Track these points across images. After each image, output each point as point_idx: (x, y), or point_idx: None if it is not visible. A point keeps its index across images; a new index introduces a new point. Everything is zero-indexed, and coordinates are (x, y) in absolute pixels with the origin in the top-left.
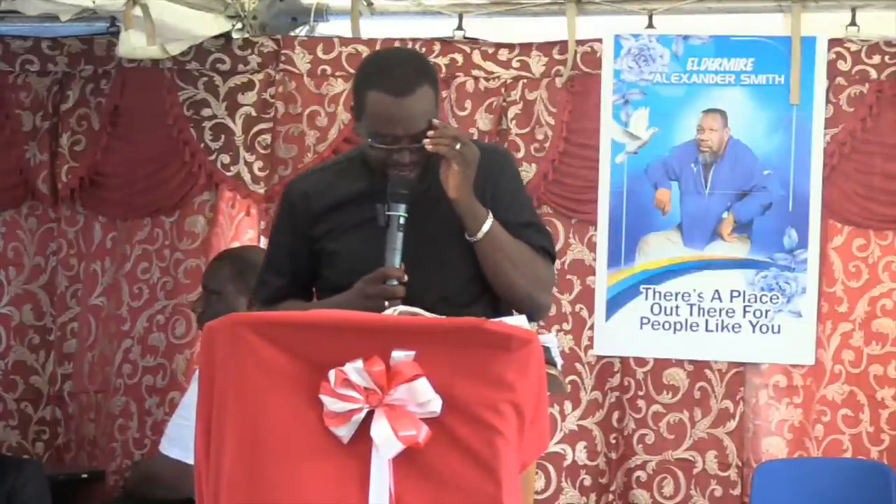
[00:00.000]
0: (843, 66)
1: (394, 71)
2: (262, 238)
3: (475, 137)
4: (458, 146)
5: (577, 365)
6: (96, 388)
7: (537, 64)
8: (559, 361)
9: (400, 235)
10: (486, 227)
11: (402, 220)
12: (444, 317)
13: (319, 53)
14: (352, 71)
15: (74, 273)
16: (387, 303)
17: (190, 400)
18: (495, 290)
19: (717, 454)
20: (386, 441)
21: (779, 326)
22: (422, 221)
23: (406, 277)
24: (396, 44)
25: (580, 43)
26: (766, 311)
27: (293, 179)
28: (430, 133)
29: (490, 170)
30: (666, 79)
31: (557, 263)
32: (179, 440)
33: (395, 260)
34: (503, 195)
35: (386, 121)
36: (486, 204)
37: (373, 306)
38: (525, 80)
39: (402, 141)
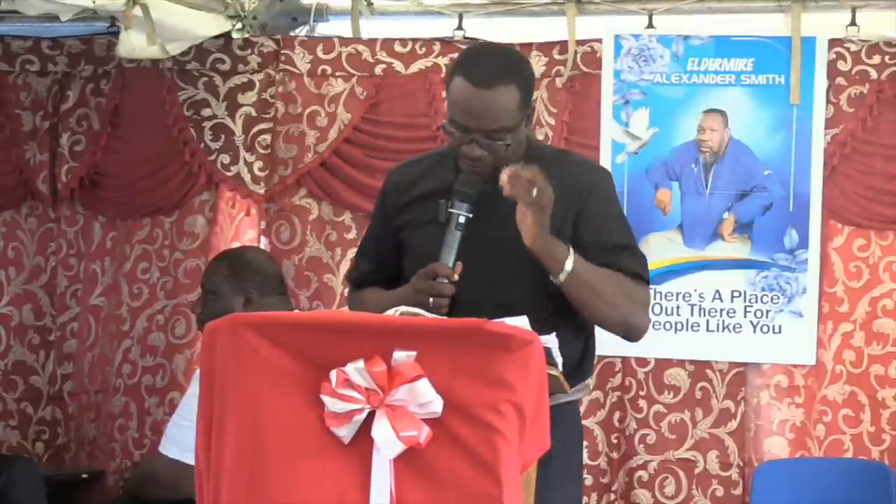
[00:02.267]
0: (843, 66)
1: (482, 61)
2: (262, 238)
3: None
4: (534, 192)
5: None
6: (96, 388)
7: (537, 64)
8: (560, 362)
9: (458, 235)
10: (567, 266)
11: (461, 220)
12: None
13: (319, 53)
14: (352, 71)
15: (74, 273)
16: (431, 300)
17: (190, 400)
18: (587, 322)
19: (718, 454)
20: (387, 441)
21: (779, 327)
22: (489, 225)
23: (456, 277)
24: (396, 44)
25: (580, 43)
26: (767, 312)
27: (393, 168)
28: (504, 177)
29: (579, 187)
30: (666, 79)
31: None
32: (179, 440)
33: (449, 258)
34: (592, 217)
35: (461, 109)
36: (568, 222)
37: (421, 301)
38: None
39: (472, 133)
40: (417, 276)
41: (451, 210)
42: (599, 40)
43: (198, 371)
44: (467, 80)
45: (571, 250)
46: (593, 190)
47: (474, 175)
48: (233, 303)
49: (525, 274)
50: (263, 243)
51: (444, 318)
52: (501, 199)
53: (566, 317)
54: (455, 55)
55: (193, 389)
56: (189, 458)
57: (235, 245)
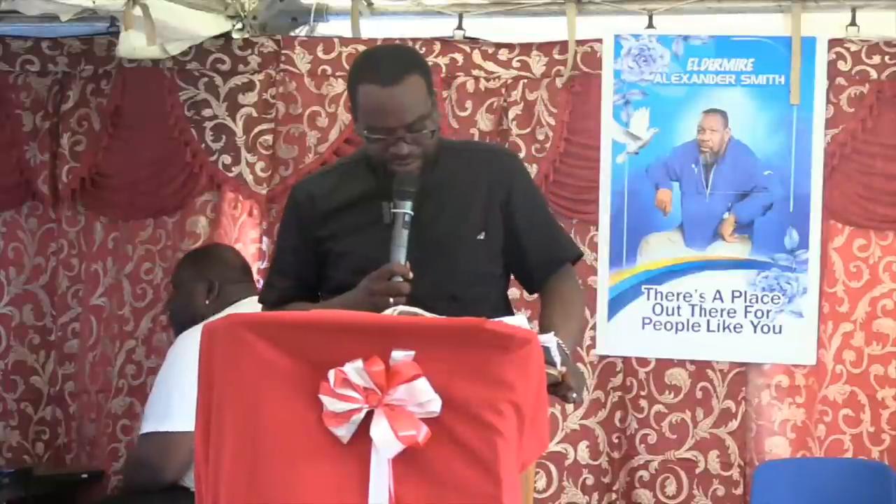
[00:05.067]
0: (843, 66)
1: (381, 62)
2: (265, 238)
3: (476, 138)
4: (580, 393)
5: (579, 365)
6: (97, 389)
7: (537, 64)
8: (558, 361)
9: (405, 233)
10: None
11: (407, 218)
12: (445, 316)
13: (319, 53)
14: None
15: (75, 273)
16: (391, 299)
17: (162, 377)
18: None
19: (719, 454)
20: (385, 441)
21: (780, 327)
22: (427, 222)
23: (411, 275)
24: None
25: (580, 43)
26: (768, 312)
27: (299, 182)
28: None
29: (498, 174)
30: (666, 79)
31: None
32: (152, 413)
33: (401, 257)
34: (522, 206)
35: (377, 112)
36: (496, 211)
37: (378, 303)
38: (525, 81)
39: (396, 132)
40: (370, 279)
41: (394, 210)
42: (599, 40)
43: (169, 351)
44: (374, 84)
45: (567, 351)
46: (514, 177)
47: (409, 172)
48: (196, 291)
49: (466, 264)
50: (265, 243)
51: (443, 317)
52: (433, 193)
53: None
54: (454, 55)
55: (166, 366)
56: (165, 426)
57: (238, 245)
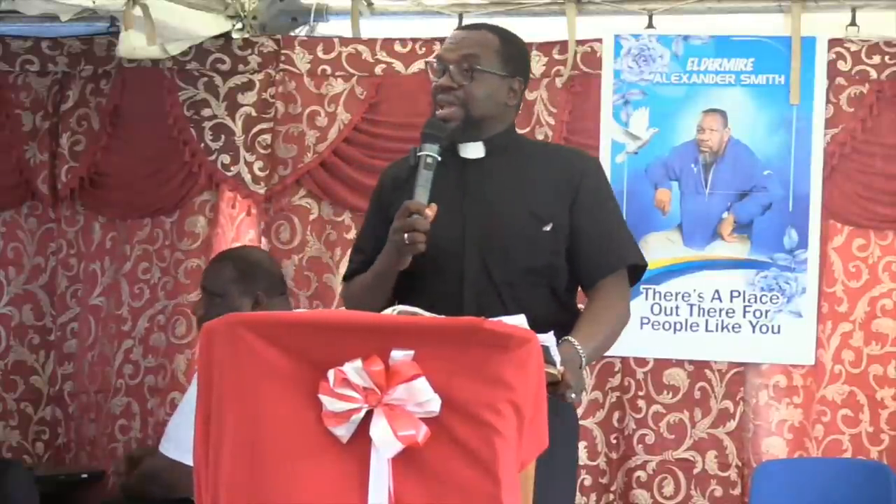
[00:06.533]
0: (843, 66)
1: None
2: (263, 238)
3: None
4: (579, 394)
5: None
6: (96, 389)
7: (537, 64)
8: (558, 360)
9: (428, 174)
10: (584, 363)
11: (430, 160)
12: (503, 304)
13: (319, 53)
14: (352, 71)
15: (74, 273)
16: (406, 236)
17: (190, 400)
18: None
19: (717, 454)
20: (385, 441)
21: (779, 326)
22: (491, 208)
23: (430, 214)
24: (396, 44)
25: (580, 43)
26: (767, 312)
27: (389, 164)
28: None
29: (569, 174)
30: (666, 79)
31: None
32: (178, 441)
33: (423, 196)
34: (586, 207)
35: (444, 46)
36: (565, 211)
37: (397, 241)
38: None
39: (448, 63)
40: (395, 218)
41: (419, 154)
42: (599, 40)
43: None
44: (456, 29)
45: (581, 353)
46: (584, 177)
47: (441, 118)
48: (240, 305)
49: (531, 254)
50: (263, 243)
51: (442, 317)
52: (500, 177)
53: (565, 295)
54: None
55: (193, 390)
56: (187, 459)
57: (236, 245)
